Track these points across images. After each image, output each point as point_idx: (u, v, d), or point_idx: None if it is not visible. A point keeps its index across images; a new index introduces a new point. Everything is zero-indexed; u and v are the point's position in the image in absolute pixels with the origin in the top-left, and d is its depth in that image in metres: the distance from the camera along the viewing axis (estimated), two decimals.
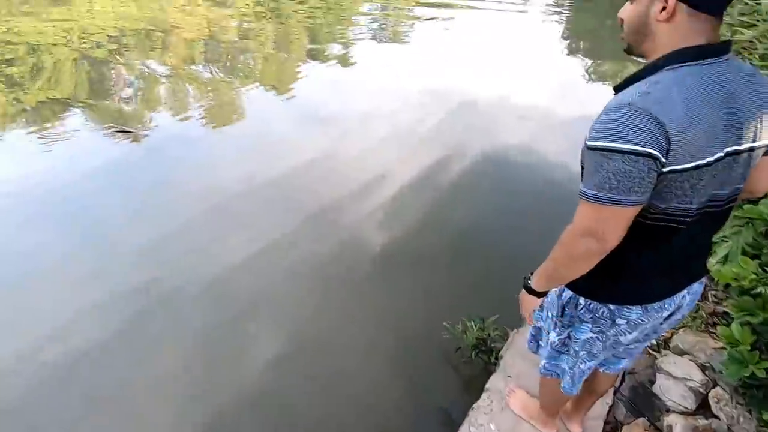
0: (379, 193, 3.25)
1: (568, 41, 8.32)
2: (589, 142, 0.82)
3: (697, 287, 1.06)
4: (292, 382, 2.05)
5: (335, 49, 7.00)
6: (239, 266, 2.61)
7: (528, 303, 1.11)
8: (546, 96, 5.13)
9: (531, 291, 1.07)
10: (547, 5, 10.51)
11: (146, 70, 6.30)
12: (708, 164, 0.80)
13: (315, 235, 2.86)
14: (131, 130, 3.90)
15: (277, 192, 3.30)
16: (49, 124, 4.49)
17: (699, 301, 1.59)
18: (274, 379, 2.06)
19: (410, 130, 4.24)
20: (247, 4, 10.18)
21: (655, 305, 1.00)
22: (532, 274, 1.08)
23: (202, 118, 4.65)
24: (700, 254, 1.02)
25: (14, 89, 5.48)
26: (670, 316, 1.07)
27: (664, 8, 0.79)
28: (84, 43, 7.45)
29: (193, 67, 6.43)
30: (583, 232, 0.87)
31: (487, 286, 2.47)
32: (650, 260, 0.95)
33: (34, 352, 2.16)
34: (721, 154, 0.80)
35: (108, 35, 8.01)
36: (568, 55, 7.35)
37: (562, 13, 10.20)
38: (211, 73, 6.27)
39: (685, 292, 1.03)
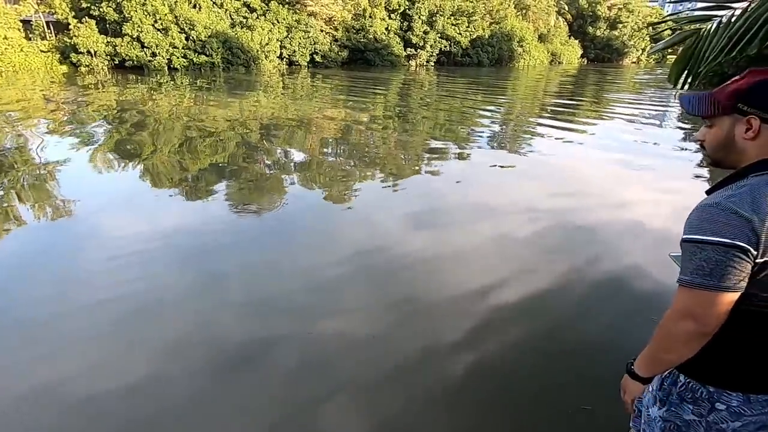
0: (471, 305, 3.09)
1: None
2: (683, 236, 0.96)
3: None
4: None
5: (448, 165, 7.19)
6: (329, 340, 2.70)
7: (631, 389, 1.13)
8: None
9: (634, 376, 1.10)
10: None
11: (283, 154, 7.40)
12: None
13: (402, 331, 2.83)
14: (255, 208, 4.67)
15: (375, 278, 3.50)
16: (202, 184, 5.81)
17: None
18: None
19: (511, 249, 4.06)
20: (384, 114, 11.63)
21: (760, 398, 1.00)
22: (635, 359, 1.12)
23: (319, 200, 5.37)
24: None
25: (192, 155, 7.31)
26: None
27: (748, 129, 0.95)
28: (244, 128, 9.20)
29: (321, 156, 7.35)
30: (682, 315, 0.95)
31: None
32: (754, 347, 0.98)
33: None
34: None
35: (262, 125, 9.77)
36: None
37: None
38: (335, 161, 7.09)
39: None
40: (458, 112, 12.62)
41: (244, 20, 26.06)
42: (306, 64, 28.83)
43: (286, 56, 28.07)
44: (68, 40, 21.86)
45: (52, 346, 2.63)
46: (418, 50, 33.60)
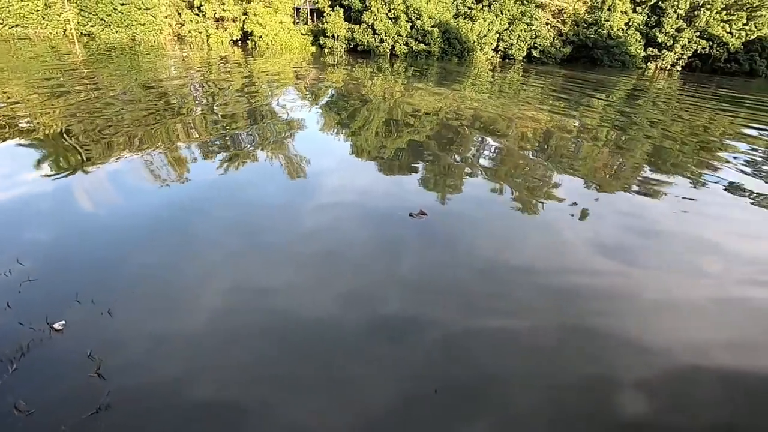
0: None
1: None
2: None
3: None
4: None
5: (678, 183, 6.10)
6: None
7: None
8: None
9: None
10: None
11: (479, 144, 7.63)
12: None
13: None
14: (426, 213, 4.55)
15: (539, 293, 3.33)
16: (396, 162, 6.36)
17: None
18: None
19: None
20: (597, 125, 10.15)
21: None
22: None
23: (503, 198, 5.25)
24: None
25: (393, 135, 7.89)
26: None
27: None
28: (443, 118, 9.39)
29: (514, 158, 6.87)
30: None
31: None
32: None
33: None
34: None
35: (460, 116, 9.69)
36: None
37: None
38: (527, 166, 6.57)
39: None
40: (697, 137, 9.85)
41: (469, 11, 26.28)
42: (521, 58, 27.48)
43: (502, 49, 27.28)
44: (321, 26, 26.09)
45: (282, 264, 3.49)
46: (663, 51, 28.09)
